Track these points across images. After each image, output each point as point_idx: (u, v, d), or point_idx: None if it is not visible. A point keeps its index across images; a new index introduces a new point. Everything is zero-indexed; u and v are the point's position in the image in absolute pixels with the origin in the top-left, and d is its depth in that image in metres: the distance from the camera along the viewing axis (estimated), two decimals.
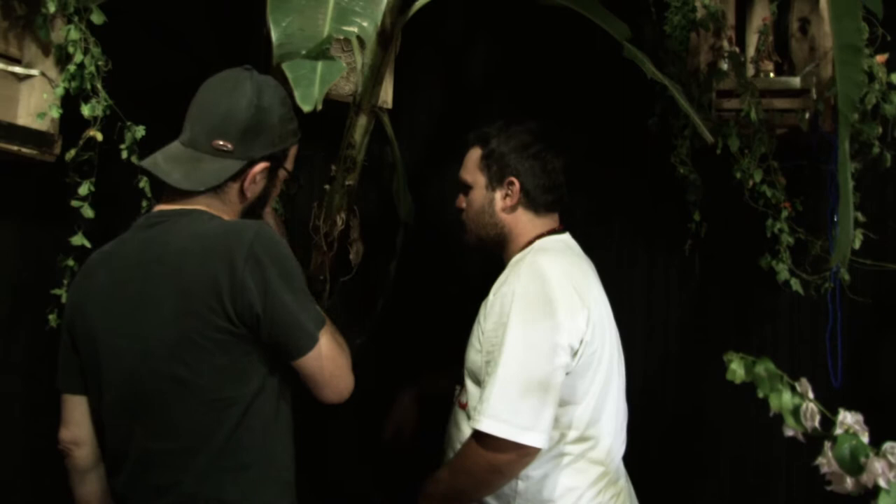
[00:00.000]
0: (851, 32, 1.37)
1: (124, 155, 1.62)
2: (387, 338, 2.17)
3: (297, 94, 1.10)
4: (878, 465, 0.76)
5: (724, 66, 1.98)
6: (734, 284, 2.21)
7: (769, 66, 2.02)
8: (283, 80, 1.18)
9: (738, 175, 1.98)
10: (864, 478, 0.77)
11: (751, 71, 2.01)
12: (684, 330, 2.26)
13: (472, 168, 1.63)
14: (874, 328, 2.12)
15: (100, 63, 1.56)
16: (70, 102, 1.56)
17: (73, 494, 1.39)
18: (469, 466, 1.41)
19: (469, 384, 1.52)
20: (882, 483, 0.76)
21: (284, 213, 1.95)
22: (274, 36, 1.15)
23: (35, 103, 1.55)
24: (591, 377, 1.47)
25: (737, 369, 0.85)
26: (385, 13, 1.51)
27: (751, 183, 1.98)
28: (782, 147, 2.00)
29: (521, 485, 1.45)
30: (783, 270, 2.04)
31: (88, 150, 1.58)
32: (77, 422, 1.35)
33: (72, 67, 1.54)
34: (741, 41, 2.07)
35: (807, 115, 1.93)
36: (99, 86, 1.57)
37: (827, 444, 0.80)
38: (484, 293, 1.54)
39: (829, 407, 0.81)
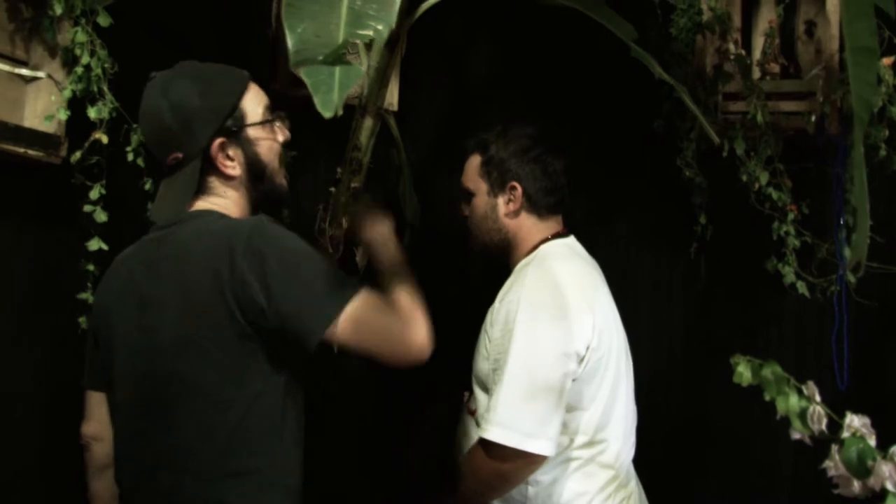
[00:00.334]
0: (865, 34, 1.36)
1: (130, 157, 1.63)
2: None
3: (316, 100, 1.09)
4: (885, 469, 0.76)
5: (730, 68, 1.98)
6: (740, 287, 2.20)
7: (775, 68, 2.02)
8: (298, 83, 1.18)
9: (744, 178, 1.98)
10: (872, 481, 0.77)
11: (757, 73, 2.01)
12: (690, 333, 2.25)
13: (472, 175, 1.63)
14: (880, 331, 2.12)
15: (106, 65, 1.57)
16: (76, 105, 1.56)
17: (87, 489, 1.42)
18: (475, 472, 1.41)
19: (478, 391, 1.52)
20: (890, 486, 0.75)
21: (289, 216, 1.95)
22: (290, 42, 1.14)
23: (42, 105, 1.55)
24: (598, 382, 1.46)
25: (744, 372, 0.85)
26: None
27: (757, 186, 1.98)
28: (788, 150, 2.00)
29: (530, 490, 1.45)
30: (789, 273, 2.03)
31: (94, 153, 1.58)
32: (98, 418, 1.39)
33: (79, 70, 1.54)
34: (747, 44, 2.07)
35: (813, 118, 1.93)
36: (105, 88, 1.58)
37: (834, 448, 0.79)
38: (490, 294, 1.54)
39: (835, 410, 0.81)
